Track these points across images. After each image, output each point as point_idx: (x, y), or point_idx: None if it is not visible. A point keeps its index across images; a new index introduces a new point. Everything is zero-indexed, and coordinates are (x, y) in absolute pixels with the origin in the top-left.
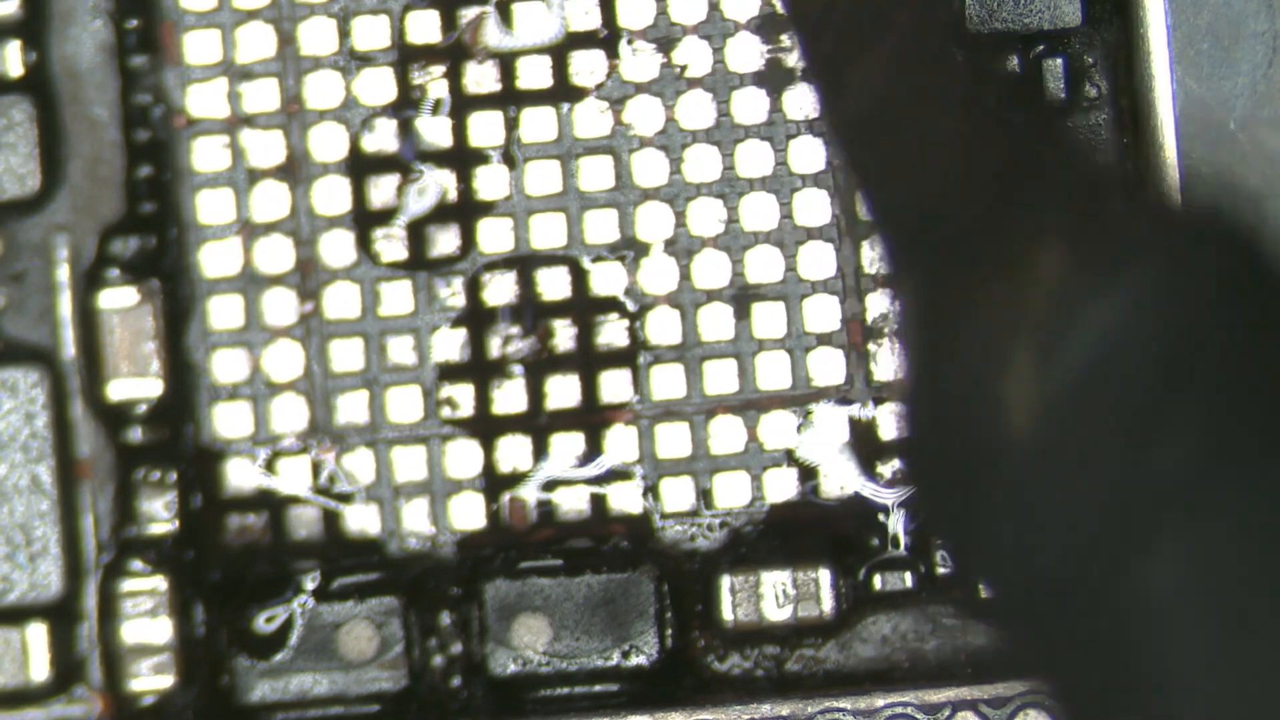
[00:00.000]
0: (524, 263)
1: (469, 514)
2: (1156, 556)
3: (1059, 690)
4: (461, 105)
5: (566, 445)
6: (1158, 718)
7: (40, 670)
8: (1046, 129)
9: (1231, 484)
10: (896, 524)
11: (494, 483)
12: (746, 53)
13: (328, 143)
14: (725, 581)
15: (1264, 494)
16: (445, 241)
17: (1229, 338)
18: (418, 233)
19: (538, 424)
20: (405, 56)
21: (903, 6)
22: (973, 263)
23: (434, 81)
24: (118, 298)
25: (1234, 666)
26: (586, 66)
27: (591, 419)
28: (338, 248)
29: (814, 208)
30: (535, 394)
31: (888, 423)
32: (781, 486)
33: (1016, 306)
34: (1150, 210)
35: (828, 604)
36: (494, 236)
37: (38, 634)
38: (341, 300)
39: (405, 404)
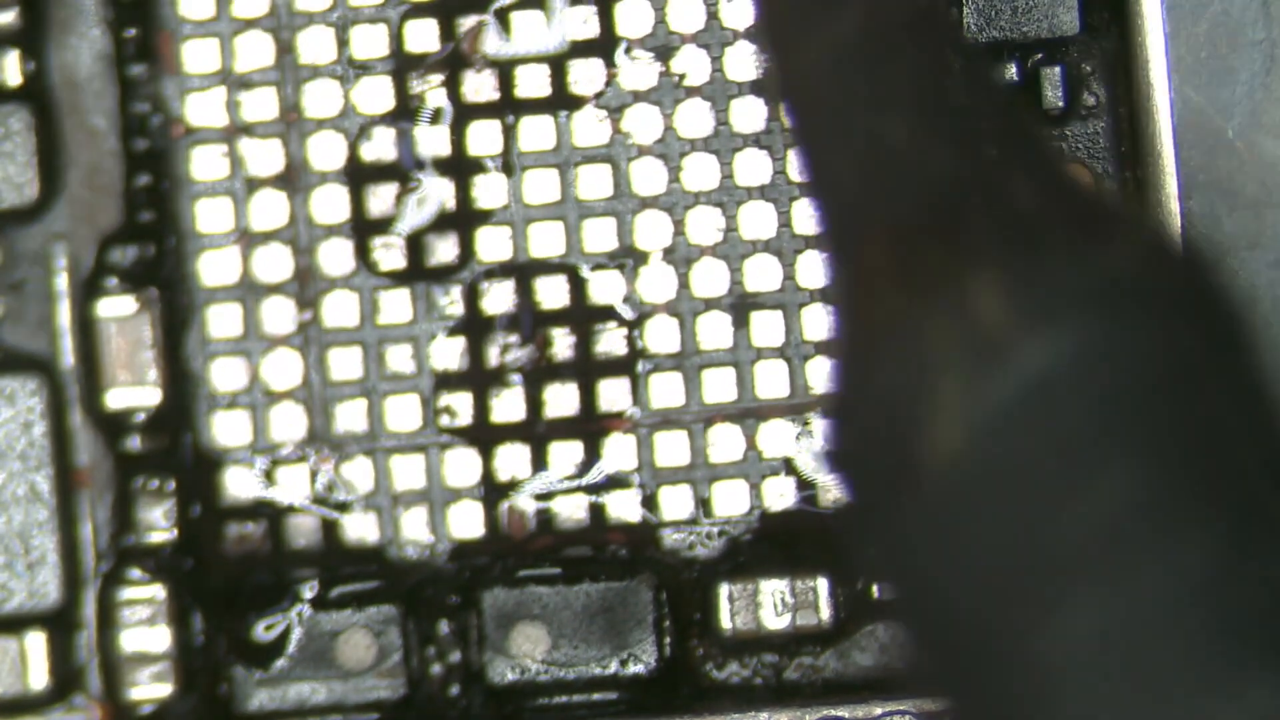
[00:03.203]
0: (522, 271)
1: (467, 522)
2: (1069, 609)
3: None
4: (460, 114)
5: (565, 454)
6: None
7: (39, 679)
8: (1010, 146)
9: (1153, 542)
10: None
11: (492, 491)
12: (745, 61)
13: (326, 151)
14: (724, 590)
15: (1185, 555)
16: (444, 250)
17: (1162, 394)
18: (416, 241)
19: (536, 432)
20: (404, 65)
21: None
22: (911, 276)
23: (432, 90)
24: (116, 306)
25: None
26: (585, 75)
27: (590, 427)
28: (336, 256)
29: (812, 216)
30: (534, 402)
31: None
32: (780, 495)
33: (950, 330)
34: (1098, 257)
35: (826, 612)
36: (492, 245)
37: (36, 643)
38: (340, 309)
39: (404, 412)
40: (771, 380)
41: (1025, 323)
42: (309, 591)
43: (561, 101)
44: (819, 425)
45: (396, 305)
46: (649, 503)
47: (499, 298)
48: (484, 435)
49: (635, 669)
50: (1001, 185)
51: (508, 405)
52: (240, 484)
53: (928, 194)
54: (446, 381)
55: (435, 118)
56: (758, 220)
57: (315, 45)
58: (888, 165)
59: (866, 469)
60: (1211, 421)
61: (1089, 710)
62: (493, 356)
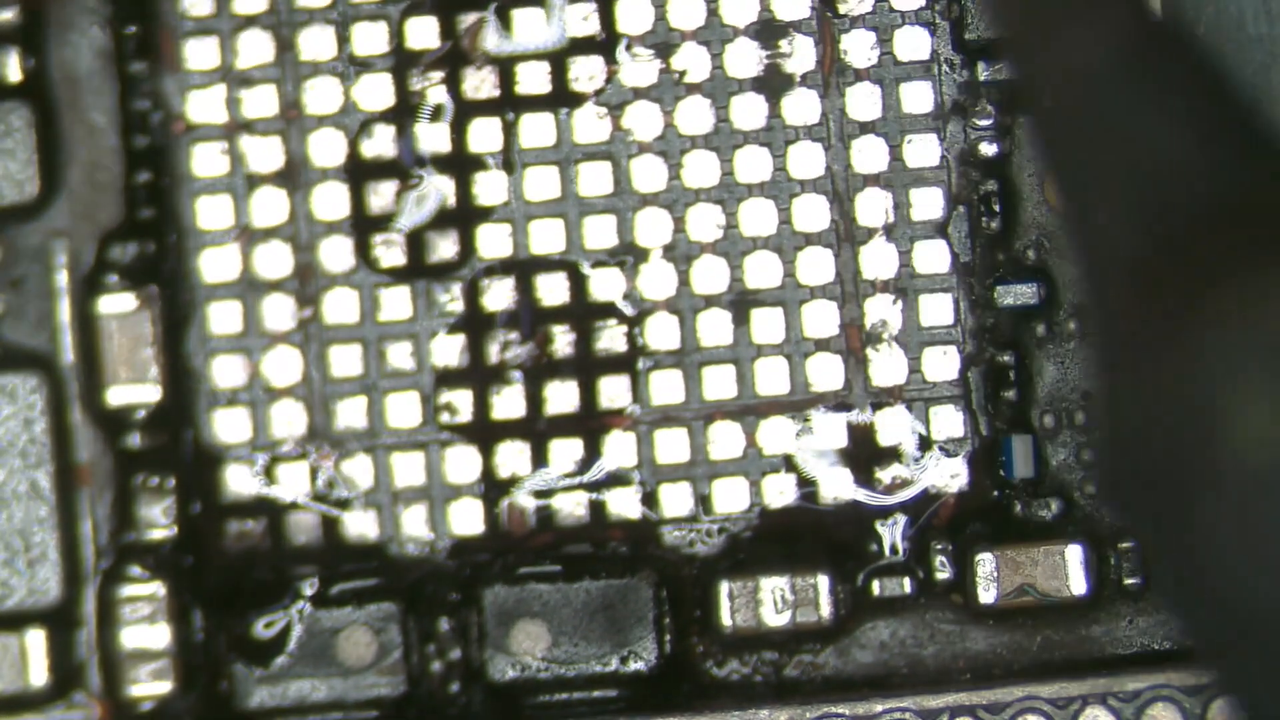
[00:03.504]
0: (523, 268)
1: (467, 519)
2: None
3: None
4: (460, 111)
5: (565, 451)
6: None
7: (39, 676)
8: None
9: None
10: (894, 530)
11: (492, 488)
12: (745, 58)
13: (327, 148)
14: (724, 587)
15: None
16: (444, 247)
17: None
18: (417, 238)
19: (536, 429)
20: (404, 62)
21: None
22: (1204, 276)
23: (433, 87)
24: (117, 303)
25: None
26: (585, 72)
27: (590, 424)
28: (336, 253)
29: (812, 213)
30: (534, 399)
31: (885, 427)
32: (780, 492)
33: (1252, 331)
34: None
35: (826, 610)
36: (493, 242)
37: (36, 639)
38: (340, 305)
39: (404, 409)
40: (771, 377)
41: None
42: (309, 588)
43: (562, 98)
44: (818, 421)
45: (397, 302)
46: (649, 500)
47: (499, 294)
48: (484, 432)
49: (635, 666)
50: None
51: (508, 402)
52: (240, 481)
53: (1212, 199)
54: (447, 378)
55: (436, 114)
56: (758, 217)
57: (316, 42)
58: (1171, 172)
59: (1161, 472)
60: None
61: None
62: (493, 353)
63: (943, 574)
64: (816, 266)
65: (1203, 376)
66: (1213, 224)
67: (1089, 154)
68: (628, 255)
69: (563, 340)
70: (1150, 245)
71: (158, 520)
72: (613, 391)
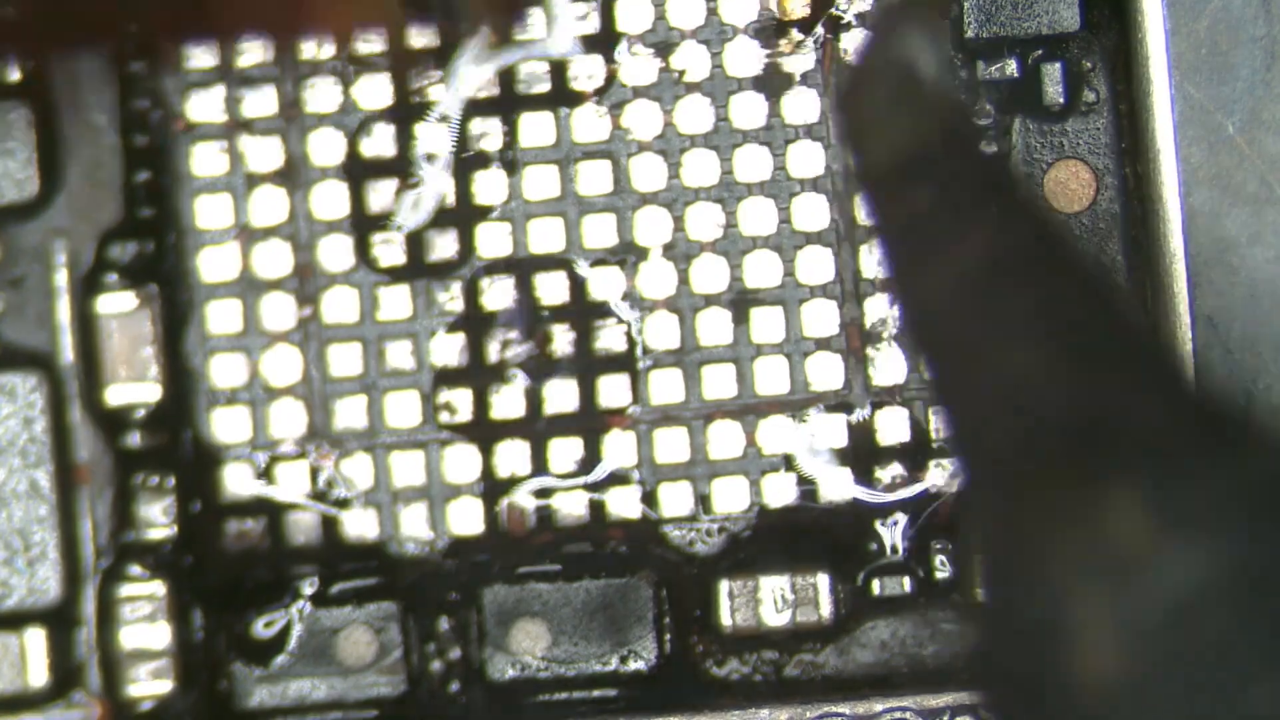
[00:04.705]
0: (522, 267)
1: (467, 519)
2: None
3: None
4: (460, 110)
5: (565, 450)
6: None
7: (39, 675)
8: (1135, 364)
9: None
10: (894, 529)
11: (492, 488)
12: (745, 57)
13: (326, 147)
14: (724, 586)
15: None
16: (443, 246)
17: None
18: (416, 237)
19: (536, 429)
20: (404, 61)
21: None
22: (1047, 504)
23: (432, 86)
24: (116, 302)
25: None
26: (585, 71)
27: (590, 424)
28: (336, 252)
29: (812, 212)
30: (533, 399)
31: (885, 426)
32: (780, 491)
33: (1090, 550)
34: (1234, 465)
35: (826, 609)
36: (492, 241)
37: (36, 639)
38: (340, 305)
39: (403, 409)
40: (771, 376)
41: (1165, 536)
42: (309, 588)
43: (562, 97)
44: (818, 421)
45: (396, 301)
46: (649, 499)
47: (499, 294)
48: (484, 432)
49: (635, 666)
50: (1129, 405)
51: (508, 401)
52: (240, 480)
53: (1055, 424)
54: (446, 377)
55: (441, 117)
56: (758, 216)
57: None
58: (1015, 399)
59: (1018, 694)
60: None
61: None
62: (493, 353)
63: (943, 573)
64: (816, 265)
65: (1047, 589)
66: (1062, 436)
67: (951, 374)
68: (627, 254)
69: (562, 339)
70: (1007, 451)
71: (157, 519)
72: (612, 391)
